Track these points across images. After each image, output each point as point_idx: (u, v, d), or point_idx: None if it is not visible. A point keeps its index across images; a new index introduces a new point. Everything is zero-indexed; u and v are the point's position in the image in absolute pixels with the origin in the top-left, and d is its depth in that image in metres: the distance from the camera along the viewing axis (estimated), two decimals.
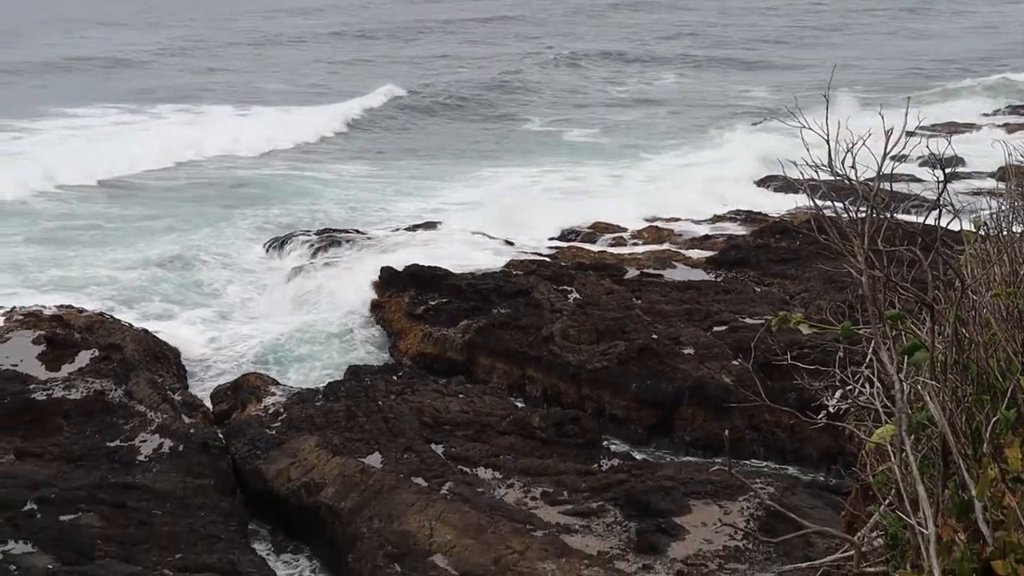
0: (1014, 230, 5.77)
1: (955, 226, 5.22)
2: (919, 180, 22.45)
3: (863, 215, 4.32)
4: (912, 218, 5.46)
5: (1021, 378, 4.10)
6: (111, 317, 21.28)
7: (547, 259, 25.01)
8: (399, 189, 36.11)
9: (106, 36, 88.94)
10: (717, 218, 29.40)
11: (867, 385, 4.75)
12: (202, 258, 27.28)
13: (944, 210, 4.52)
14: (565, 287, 22.62)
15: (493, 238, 26.83)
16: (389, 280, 23.28)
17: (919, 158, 5.24)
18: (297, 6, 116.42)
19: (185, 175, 39.01)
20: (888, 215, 4.49)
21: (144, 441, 16.28)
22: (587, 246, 26.96)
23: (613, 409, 18.83)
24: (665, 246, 26.69)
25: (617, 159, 41.04)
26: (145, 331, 20.74)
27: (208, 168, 40.45)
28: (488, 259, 24.90)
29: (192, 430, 16.58)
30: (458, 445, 16.38)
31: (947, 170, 4.57)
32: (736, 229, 28.06)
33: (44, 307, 21.35)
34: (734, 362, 18.63)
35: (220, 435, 17.09)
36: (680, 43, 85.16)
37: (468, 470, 15.68)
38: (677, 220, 29.19)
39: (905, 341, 4.25)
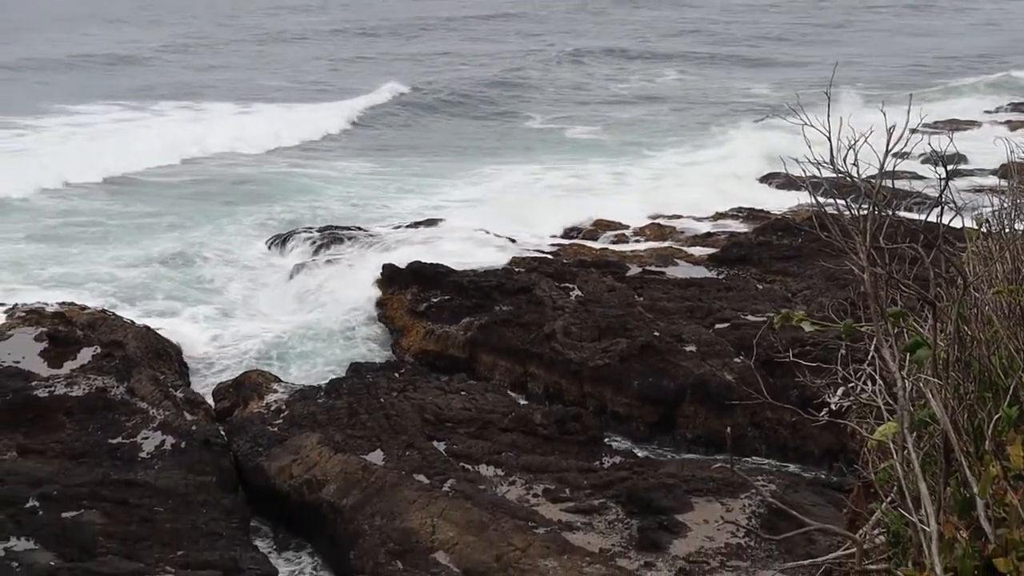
0: (1016, 227, 5.76)
1: (957, 223, 5.22)
2: (921, 177, 22.35)
3: (865, 212, 4.32)
4: (914, 215, 5.45)
5: (1023, 375, 4.09)
6: (113, 314, 21.29)
7: (549, 256, 25.01)
8: (401, 186, 36.10)
9: (107, 33, 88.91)
10: (719, 215, 29.38)
11: (869, 382, 4.75)
12: (204, 255, 27.27)
13: (946, 207, 4.51)
14: (567, 284, 22.62)
15: (497, 236, 26.82)
16: (391, 277, 23.29)
17: (921, 155, 5.24)
18: (299, 3, 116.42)
19: (187, 172, 38.99)
20: (890, 212, 4.48)
21: (146, 438, 16.29)
22: (589, 243, 26.96)
23: (615, 406, 18.83)
24: (667, 243, 26.69)
25: (619, 156, 41.03)
26: (147, 328, 20.75)
27: (210, 165, 40.43)
28: (490, 256, 24.89)
29: (194, 427, 16.60)
30: (460, 442, 16.39)
31: (949, 167, 4.56)
32: (738, 226, 28.05)
33: (46, 304, 21.36)
34: (736, 359, 18.63)
35: (222, 432, 17.10)
36: (682, 40, 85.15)
37: (470, 467, 15.69)
38: (679, 217, 29.18)
39: (907, 338, 4.25)
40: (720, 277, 23.52)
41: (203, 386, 19.73)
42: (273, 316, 23.59)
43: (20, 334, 19.68)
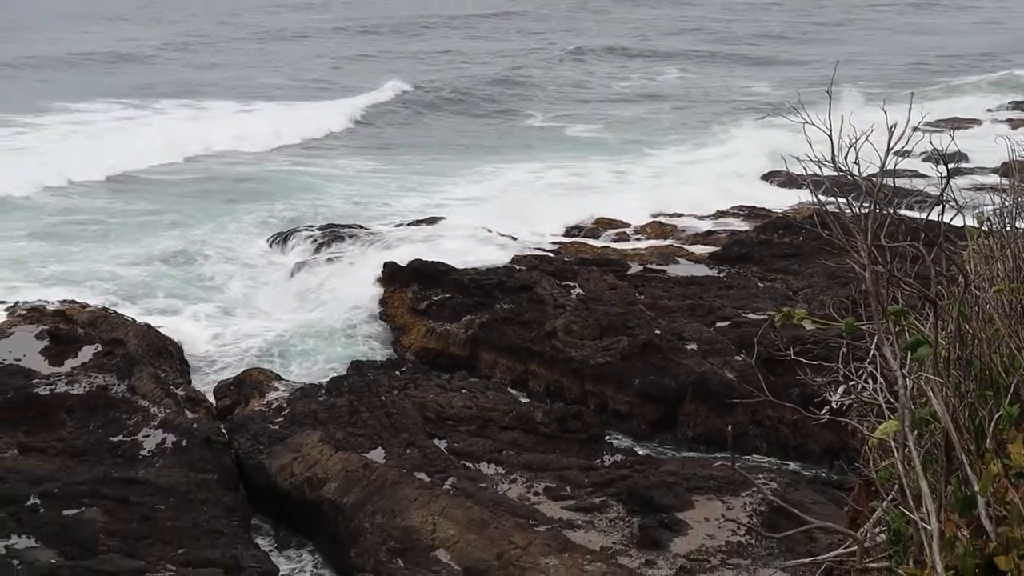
0: (1017, 226, 5.76)
1: (958, 221, 5.22)
2: (922, 176, 22.34)
3: (866, 210, 4.32)
4: (915, 214, 5.45)
5: None
6: (114, 312, 21.28)
7: (550, 254, 25.00)
8: (403, 184, 36.10)
9: (108, 31, 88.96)
10: (720, 214, 29.37)
11: (870, 381, 4.75)
12: (205, 253, 27.27)
13: (947, 205, 4.51)
14: (568, 282, 22.62)
15: (498, 234, 26.82)
16: (392, 275, 23.29)
17: (922, 154, 5.23)
18: (300, 1, 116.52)
19: (189, 170, 39.00)
20: (891, 211, 4.48)
21: (147, 436, 16.30)
22: (590, 241, 26.95)
23: (616, 404, 18.84)
24: (668, 242, 26.69)
25: (620, 154, 41.03)
26: (148, 326, 20.75)
27: (212, 163, 40.44)
28: (491, 254, 24.89)
29: (195, 425, 16.60)
30: (461, 440, 16.39)
31: (950, 166, 4.56)
32: (739, 225, 28.05)
33: (47, 302, 21.36)
34: (737, 358, 18.63)
35: (223, 430, 17.09)
36: (683, 38, 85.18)
37: (471, 465, 15.69)
38: (680, 216, 29.18)
39: (908, 337, 4.25)
40: (721, 275, 23.52)
41: (204, 384, 19.74)
42: (274, 314, 23.59)
43: (21, 332, 19.68)
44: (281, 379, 18.83)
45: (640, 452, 17.17)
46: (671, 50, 76.96)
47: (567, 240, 27.10)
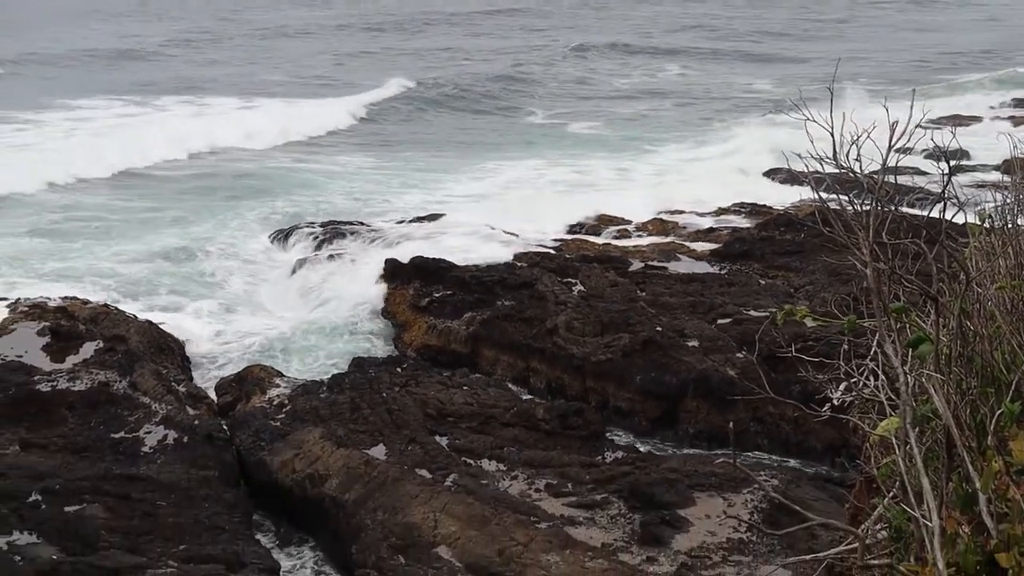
0: (1019, 223, 5.75)
1: (960, 219, 5.22)
2: (924, 173, 22.39)
3: (868, 208, 4.32)
4: (917, 211, 5.45)
5: None
6: (115, 309, 21.30)
7: (551, 251, 24.99)
8: (404, 181, 36.12)
9: (109, 28, 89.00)
10: (721, 211, 29.36)
11: (871, 378, 4.75)
12: (207, 250, 27.30)
13: (949, 203, 4.52)
14: (569, 279, 22.62)
15: (500, 231, 26.80)
16: (394, 272, 23.29)
17: (924, 151, 5.24)
18: None
19: (191, 167, 39.04)
20: (893, 208, 4.48)
21: (148, 432, 16.31)
22: (591, 238, 26.94)
23: (617, 401, 18.83)
24: (669, 239, 26.67)
25: (622, 152, 41.02)
26: (149, 323, 20.76)
27: (214, 160, 40.48)
28: (493, 251, 24.88)
29: (196, 421, 16.61)
30: (462, 437, 16.40)
31: (952, 163, 4.56)
32: (740, 222, 28.03)
33: (49, 299, 21.37)
34: (738, 354, 18.62)
35: (224, 427, 17.11)
36: (685, 35, 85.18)
37: (472, 462, 15.70)
38: (681, 212, 29.17)
39: (910, 334, 4.25)
40: (722, 272, 23.51)
41: (205, 381, 19.76)
42: (275, 311, 23.60)
43: (23, 328, 19.70)
44: (282, 376, 18.84)
45: (641, 449, 17.17)
46: (673, 47, 76.97)
47: (568, 237, 27.09)
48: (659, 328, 19.52)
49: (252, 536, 14.59)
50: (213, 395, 18.68)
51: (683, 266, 24.03)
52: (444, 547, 13.39)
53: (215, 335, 22.06)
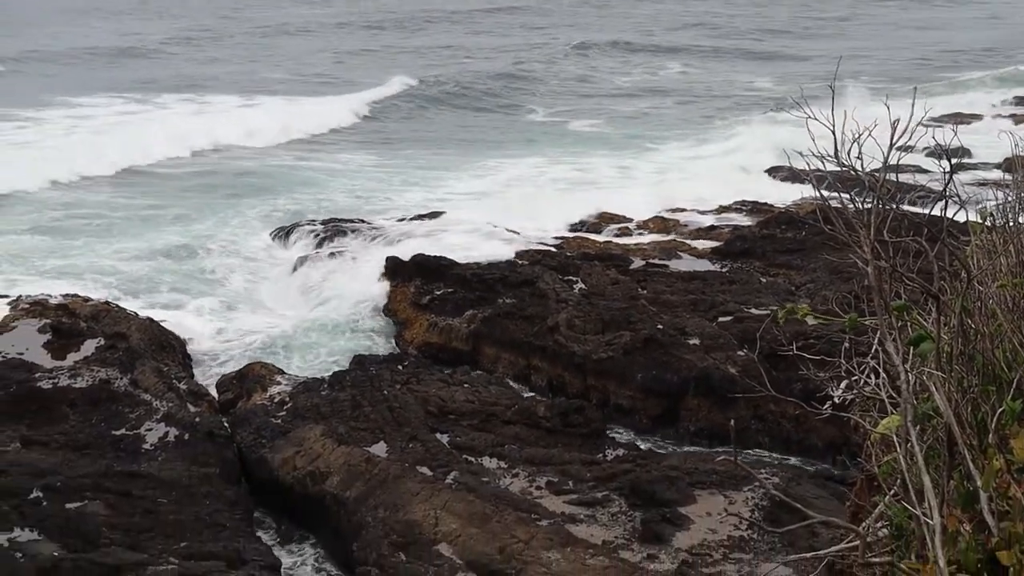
0: (1020, 221, 5.75)
1: (961, 217, 5.22)
2: (925, 171, 22.40)
3: (869, 206, 4.32)
4: (918, 209, 5.45)
5: None
6: (117, 306, 21.31)
7: (553, 249, 24.99)
8: (405, 179, 36.12)
9: (109, 26, 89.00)
10: (723, 208, 29.36)
11: (873, 376, 4.75)
12: (208, 247, 27.31)
13: (950, 201, 4.52)
14: (571, 277, 22.63)
15: (500, 228, 26.80)
16: (395, 270, 23.30)
17: (925, 149, 5.24)
18: None
19: (193, 165, 39.04)
20: (894, 206, 4.48)
21: (150, 430, 16.32)
22: (593, 236, 26.94)
23: (618, 399, 18.84)
24: (671, 236, 26.67)
25: (623, 149, 41.00)
26: (151, 320, 20.77)
27: (216, 158, 40.48)
28: (494, 249, 24.89)
29: (198, 419, 16.62)
30: (463, 434, 16.41)
31: (953, 161, 4.56)
32: (742, 220, 28.02)
33: (50, 296, 21.39)
34: (739, 352, 18.62)
35: (225, 424, 17.13)
36: (686, 33, 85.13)
37: (473, 459, 15.71)
38: (683, 210, 29.16)
39: (911, 332, 4.25)
40: (724, 270, 23.52)
41: (207, 378, 19.76)
42: (276, 309, 23.61)
43: (24, 326, 19.72)
44: (283, 373, 18.85)
45: (642, 447, 17.18)
46: (674, 45, 76.91)
47: (570, 235, 27.09)
48: (660, 326, 19.52)
49: (253, 533, 14.61)
50: (214, 392, 18.69)
51: (684, 264, 24.04)
52: (445, 544, 13.40)
53: (216, 332, 22.07)
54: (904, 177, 4.96)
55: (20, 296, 21.42)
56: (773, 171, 33.84)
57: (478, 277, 22.36)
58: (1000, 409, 3.78)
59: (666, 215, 28.63)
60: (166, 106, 51.49)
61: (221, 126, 44.19)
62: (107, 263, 25.93)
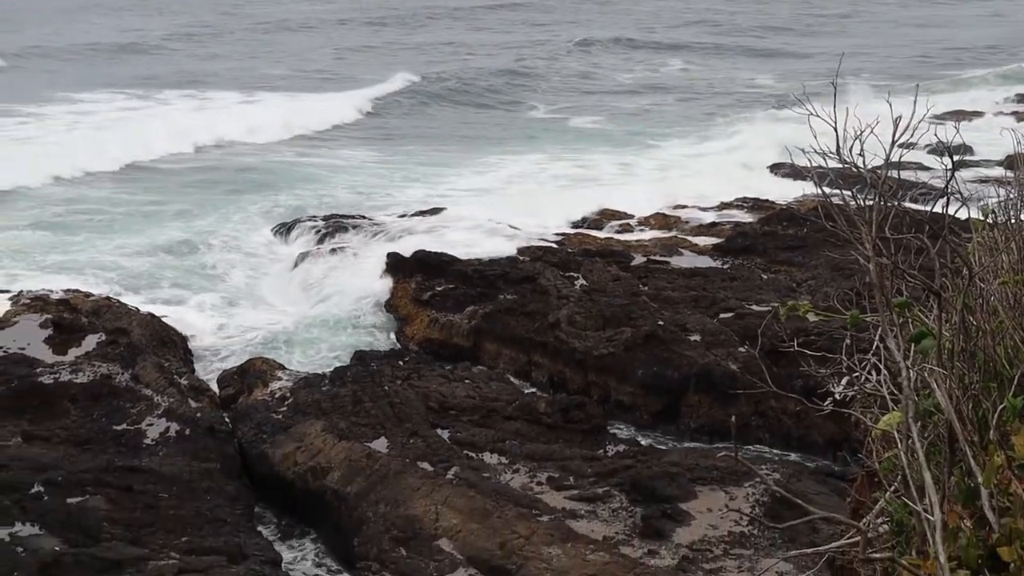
0: (1022, 218, 5.76)
1: (963, 214, 5.22)
2: (927, 168, 22.37)
3: (871, 203, 4.32)
4: (920, 206, 5.45)
5: None
6: (118, 301, 21.31)
7: (554, 246, 24.99)
8: (407, 175, 36.10)
9: (110, 22, 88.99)
10: (724, 205, 29.34)
11: (874, 372, 4.76)
12: (210, 243, 27.31)
13: (952, 198, 4.52)
14: (572, 273, 22.63)
15: (502, 225, 26.80)
16: (396, 266, 23.31)
17: (927, 146, 5.24)
18: None
19: (195, 161, 39.03)
20: (896, 203, 4.49)
21: (151, 425, 16.34)
22: (594, 233, 26.93)
23: (619, 395, 18.84)
24: (672, 233, 26.66)
25: (624, 146, 40.99)
26: (152, 315, 20.78)
27: (218, 154, 40.46)
28: (495, 245, 24.88)
29: (199, 414, 16.63)
30: (464, 430, 16.42)
31: (955, 158, 4.56)
32: (743, 216, 28.01)
33: (51, 291, 21.39)
34: (740, 349, 18.63)
35: (226, 419, 17.14)
36: (688, 30, 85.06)
37: (474, 455, 15.72)
38: (684, 207, 29.15)
39: (912, 328, 4.26)
40: (725, 267, 23.52)
41: (208, 373, 19.77)
42: (278, 304, 23.61)
43: (25, 321, 19.73)
44: (284, 369, 18.86)
45: (643, 443, 17.19)
46: (676, 42, 76.83)
47: (571, 231, 27.08)
48: (661, 322, 19.52)
49: (254, 528, 14.62)
50: (215, 388, 18.71)
51: (685, 260, 24.03)
52: (446, 540, 13.41)
53: (217, 328, 22.07)
54: (906, 174, 4.96)
55: (21, 291, 21.43)
56: (775, 168, 33.82)
57: (479, 273, 22.37)
58: (1001, 406, 3.79)
59: (667, 212, 28.61)
60: (168, 102, 51.47)
61: (223, 122, 44.15)
62: (108, 259, 25.93)
